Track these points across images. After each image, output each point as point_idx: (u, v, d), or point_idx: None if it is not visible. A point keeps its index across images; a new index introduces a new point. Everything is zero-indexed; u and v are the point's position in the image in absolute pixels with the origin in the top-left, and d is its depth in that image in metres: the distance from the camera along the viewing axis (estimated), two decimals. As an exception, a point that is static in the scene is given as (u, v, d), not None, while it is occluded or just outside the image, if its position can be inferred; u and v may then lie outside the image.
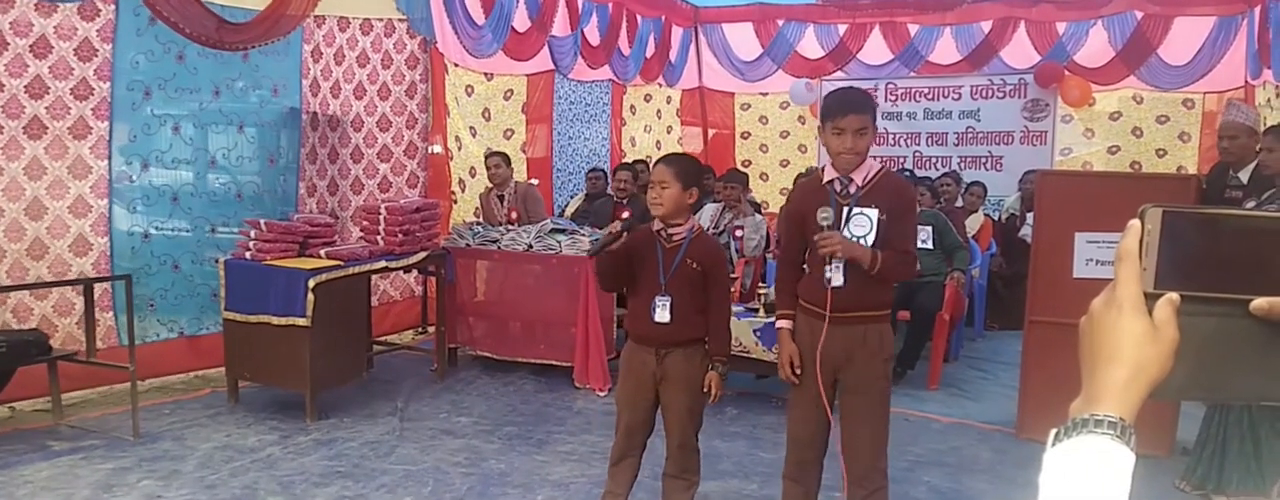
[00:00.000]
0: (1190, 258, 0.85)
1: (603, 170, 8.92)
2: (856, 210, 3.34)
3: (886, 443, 3.48)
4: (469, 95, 8.41)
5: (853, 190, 3.37)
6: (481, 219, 7.56)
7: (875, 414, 3.43)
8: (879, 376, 3.42)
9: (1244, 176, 4.93)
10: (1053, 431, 0.88)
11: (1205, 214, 0.86)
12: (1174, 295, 0.85)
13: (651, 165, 4.86)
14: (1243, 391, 0.91)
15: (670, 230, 3.64)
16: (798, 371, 3.45)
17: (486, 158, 7.64)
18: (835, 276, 3.34)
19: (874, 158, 3.47)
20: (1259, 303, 0.84)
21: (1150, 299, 0.86)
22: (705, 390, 3.62)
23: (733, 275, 6.35)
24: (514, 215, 7.22)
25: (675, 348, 3.62)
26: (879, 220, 3.32)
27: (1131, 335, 0.85)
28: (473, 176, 8.53)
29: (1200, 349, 0.86)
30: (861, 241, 3.31)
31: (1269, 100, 8.16)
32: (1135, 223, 0.86)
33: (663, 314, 3.60)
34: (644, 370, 3.67)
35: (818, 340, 3.36)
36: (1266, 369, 0.86)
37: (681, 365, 3.63)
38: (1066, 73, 9.47)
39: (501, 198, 7.45)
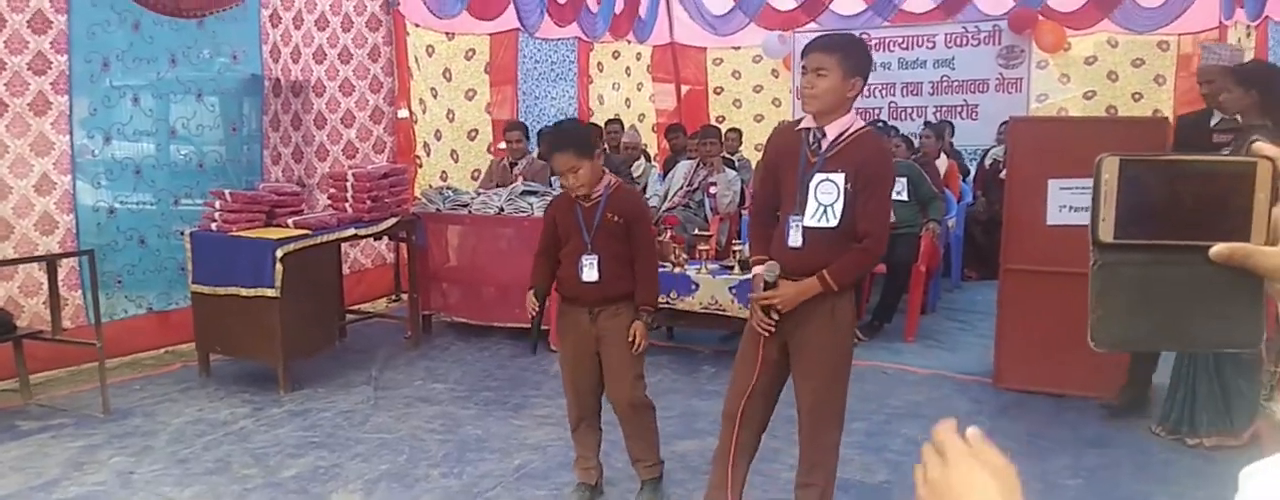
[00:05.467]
0: (1149, 205, 0.84)
1: None
2: (822, 176, 3.08)
3: (836, 419, 3.29)
4: (429, 55, 8.26)
5: (824, 146, 3.10)
6: (491, 182, 7.37)
7: (823, 388, 3.23)
8: (829, 349, 3.20)
9: (1240, 117, 4.82)
10: None
11: (1162, 161, 0.85)
12: (975, 429, 0.88)
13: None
14: (1206, 339, 0.90)
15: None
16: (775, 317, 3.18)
17: (506, 131, 7.58)
18: (794, 235, 3.15)
19: (858, 113, 3.24)
20: (1218, 249, 0.82)
21: (1109, 250, 0.84)
22: (630, 340, 3.59)
23: (707, 233, 6.30)
24: None
25: (607, 305, 3.62)
26: (846, 189, 3.05)
27: (993, 488, 0.85)
28: (438, 139, 8.42)
29: (1164, 298, 0.85)
30: (828, 212, 3.07)
31: (1239, 39, 8.11)
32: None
33: (590, 273, 3.60)
34: (579, 330, 3.69)
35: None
36: (1228, 316, 0.85)
37: (615, 322, 3.63)
38: (1040, 18, 9.39)
39: (514, 165, 7.35)
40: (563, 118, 9.36)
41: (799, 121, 3.26)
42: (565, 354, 3.79)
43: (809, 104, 3.12)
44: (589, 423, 3.79)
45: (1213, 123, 4.80)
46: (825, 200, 3.10)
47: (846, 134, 3.11)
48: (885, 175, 3.18)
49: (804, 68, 3.12)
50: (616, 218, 3.58)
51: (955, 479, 0.87)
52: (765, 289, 3.14)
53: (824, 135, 3.12)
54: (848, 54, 3.07)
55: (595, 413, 3.81)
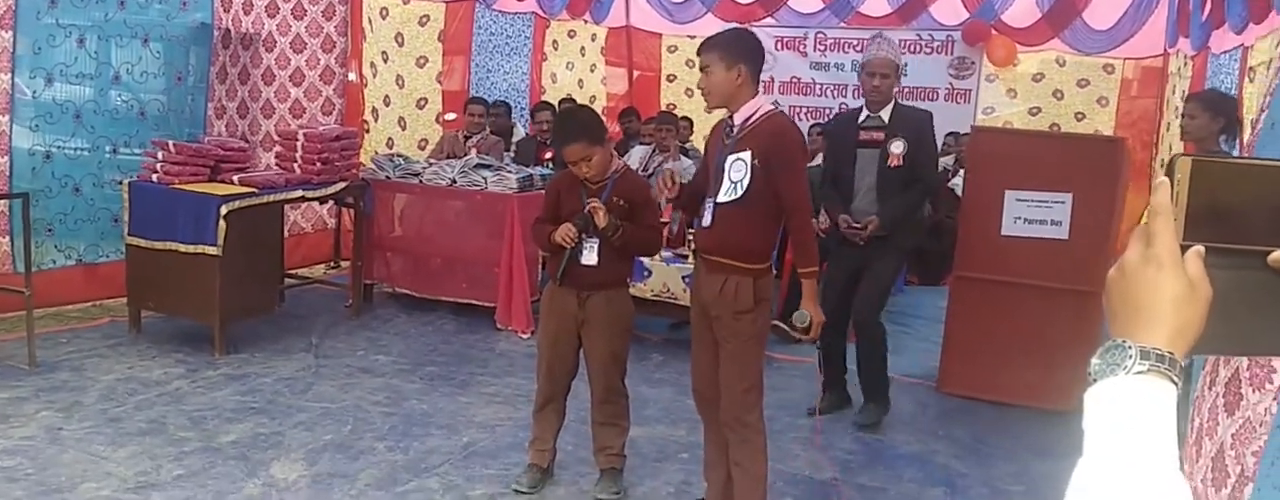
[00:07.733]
0: (1218, 208, 0.83)
1: (506, 104, 8.52)
2: (733, 156, 3.23)
3: (748, 395, 3.34)
4: (383, 18, 8.07)
5: (734, 131, 3.27)
6: (442, 153, 7.19)
7: (732, 365, 3.31)
8: (734, 329, 3.28)
9: (886, 115, 4.69)
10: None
11: (1236, 164, 0.85)
12: (1200, 247, 0.82)
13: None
14: (1266, 345, 0.90)
15: None
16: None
17: (469, 104, 7.49)
18: (706, 215, 3.31)
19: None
20: (1276, 255, 0.82)
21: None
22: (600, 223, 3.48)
23: (661, 220, 6.25)
24: None
25: (598, 291, 3.59)
26: (753, 164, 3.19)
27: (1172, 295, 0.81)
28: (386, 105, 8.23)
29: (1224, 302, 0.83)
30: (737, 187, 3.20)
31: (1178, 69, 8.34)
32: (1164, 180, 0.83)
33: (590, 256, 3.56)
34: (566, 313, 3.62)
35: (700, 283, 3.39)
36: None
37: (604, 308, 3.59)
38: (993, 32, 9.52)
39: (468, 139, 7.19)
40: (573, 104, 9.04)
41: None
42: (545, 333, 3.72)
43: (708, 101, 3.35)
44: (555, 406, 3.74)
45: (860, 119, 4.78)
46: (736, 177, 3.23)
47: (753, 117, 3.26)
48: (791, 152, 3.27)
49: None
50: (622, 202, 3.56)
51: (1151, 276, 0.82)
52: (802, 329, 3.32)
53: (733, 122, 3.29)
54: (726, 48, 3.24)
55: (563, 396, 3.76)
